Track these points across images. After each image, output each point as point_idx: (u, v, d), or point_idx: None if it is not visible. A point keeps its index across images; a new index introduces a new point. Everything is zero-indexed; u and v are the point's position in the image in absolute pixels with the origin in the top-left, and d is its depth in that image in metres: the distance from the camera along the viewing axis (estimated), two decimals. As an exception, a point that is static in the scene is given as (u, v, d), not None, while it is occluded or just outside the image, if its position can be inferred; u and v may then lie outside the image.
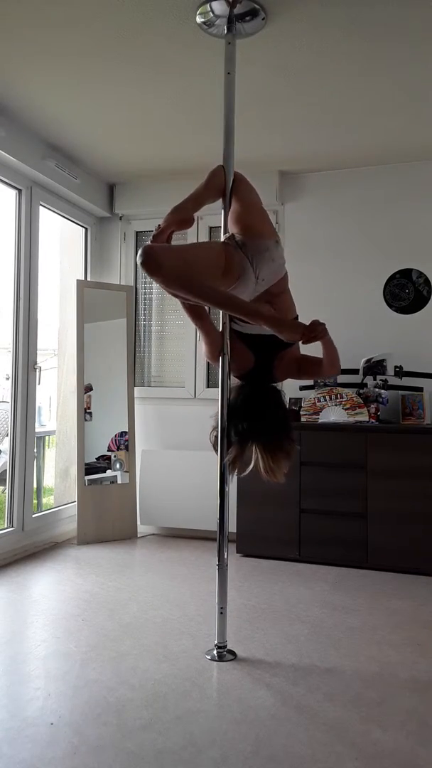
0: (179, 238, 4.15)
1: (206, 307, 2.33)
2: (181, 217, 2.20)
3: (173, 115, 3.34)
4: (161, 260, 1.89)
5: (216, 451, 2.34)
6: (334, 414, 3.72)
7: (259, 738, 1.80)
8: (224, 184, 2.35)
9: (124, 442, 4.26)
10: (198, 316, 2.34)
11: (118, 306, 4.38)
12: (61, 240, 4.66)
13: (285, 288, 2.30)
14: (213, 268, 2.06)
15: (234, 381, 2.40)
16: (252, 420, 2.21)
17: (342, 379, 3.84)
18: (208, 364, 4.33)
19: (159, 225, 2.21)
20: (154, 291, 4.55)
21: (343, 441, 3.58)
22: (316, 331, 2.09)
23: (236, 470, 2.26)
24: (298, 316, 2.33)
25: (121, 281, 4.54)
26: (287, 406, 2.37)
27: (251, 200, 2.32)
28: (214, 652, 2.35)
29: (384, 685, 2.15)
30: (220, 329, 2.35)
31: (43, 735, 1.80)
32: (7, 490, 3.76)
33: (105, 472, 4.18)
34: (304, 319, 2.31)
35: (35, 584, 3.21)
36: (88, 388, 4.19)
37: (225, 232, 2.34)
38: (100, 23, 2.54)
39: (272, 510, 3.65)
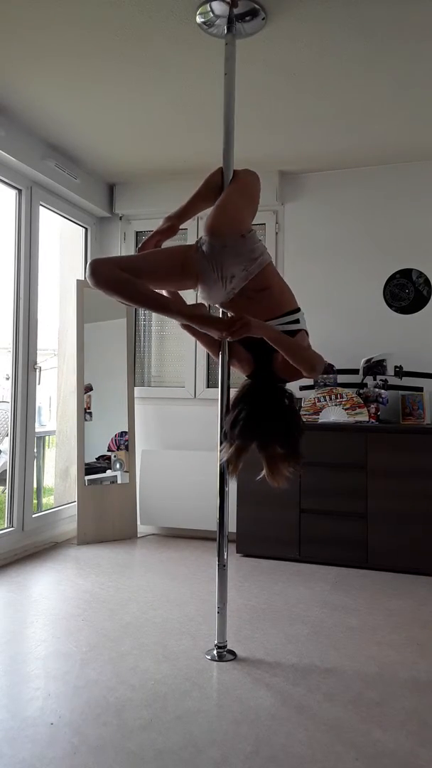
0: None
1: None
2: (165, 226, 2.34)
3: (173, 115, 3.34)
4: (97, 274, 2.06)
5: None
6: (334, 414, 3.72)
7: (259, 738, 1.80)
8: (221, 186, 2.33)
9: (124, 442, 4.26)
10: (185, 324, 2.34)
11: (118, 306, 4.37)
12: (61, 240, 4.66)
13: (268, 283, 2.20)
14: (169, 270, 2.17)
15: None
16: (256, 420, 2.14)
17: (342, 379, 3.84)
18: (209, 364, 4.34)
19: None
20: (154, 291, 4.55)
21: (343, 441, 3.58)
22: (234, 326, 2.05)
23: (236, 470, 2.23)
24: (298, 309, 2.25)
25: (121, 281, 4.53)
26: (295, 408, 2.24)
27: (226, 197, 2.25)
28: (214, 652, 2.35)
29: (384, 685, 2.15)
30: None
31: (43, 735, 1.80)
32: (7, 490, 3.76)
33: (105, 472, 4.18)
34: (306, 321, 2.29)
35: (35, 584, 3.21)
36: (88, 388, 4.19)
37: None
38: (100, 23, 2.54)
39: (272, 510, 3.65)
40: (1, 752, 1.71)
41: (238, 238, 2.13)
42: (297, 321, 2.23)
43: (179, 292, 2.37)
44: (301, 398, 3.86)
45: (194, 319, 2.16)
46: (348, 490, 3.54)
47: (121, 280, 2.07)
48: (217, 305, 2.34)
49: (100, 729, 1.83)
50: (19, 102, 3.24)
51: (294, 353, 2.14)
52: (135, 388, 4.44)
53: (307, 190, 4.19)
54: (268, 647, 2.45)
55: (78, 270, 4.55)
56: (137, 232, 4.57)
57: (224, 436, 2.18)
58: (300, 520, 3.62)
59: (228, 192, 2.28)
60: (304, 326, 2.25)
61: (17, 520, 3.69)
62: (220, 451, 2.22)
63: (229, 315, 2.32)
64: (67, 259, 4.64)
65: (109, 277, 2.07)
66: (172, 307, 2.16)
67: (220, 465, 2.32)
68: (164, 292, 2.38)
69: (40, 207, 3.91)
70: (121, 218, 4.57)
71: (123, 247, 4.56)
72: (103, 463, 4.18)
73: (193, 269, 2.17)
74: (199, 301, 2.30)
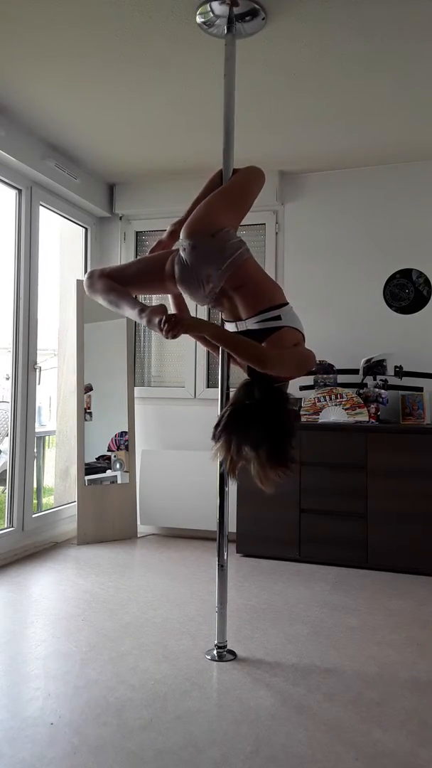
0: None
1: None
2: (168, 231, 2.39)
3: (173, 115, 3.34)
4: (89, 284, 2.28)
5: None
6: (334, 414, 3.72)
7: (259, 738, 1.80)
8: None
9: (124, 442, 4.26)
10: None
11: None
12: (61, 240, 4.66)
13: (244, 281, 2.14)
14: (153, 275, 2.27)
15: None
16: (237, 420, 2.07)
17: (342, 379, 3.84)
18: (209, 364, 4.34)
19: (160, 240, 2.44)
20: (154, 291, 4.55)
21: (343, 441, 3.58)
22: (167, 325, 2.03)
23: (232, 471, 2.13)
24: (281, 305, 2.16)
25: (121, 281, 4.53)
26: (287, 412, 2.14)
27: (208, 198, 2.24)
28: (214, 652, 2.35)
29: (384, 685, 2.15)
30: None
31: (43, 735, 1.80)
32: (7, 490, 3.76)
33: (105, 472, 4.18)
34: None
35: (35, 584, 3.21)
36: (88, 388, 4.19)
37: None
38: (100, 23, 2.54)
39: (272, 510, 3.65)
40: (1, 752, 1.71)
41: (208, 238, 2.10)
42: (278, 317, 2.13)
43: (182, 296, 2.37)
44: (301, 398, 3.86)
45: (143, 321, 2.15)
46: (348, 490, 3.54)
47: (106, 289, 2.23)
48: (209, 307, 2.34)
49: (100, 729, 1.83)
50: (19, 102, 3.24)
51: (239, 351, 2.09)
52: (135, 388, 4.44)
53: (307, 190, 4.18)
54: (268, 647, 2.45)
55: (78, 270, 4.55)
56: (137, 232, 4.57)
57: (221, 436, 2.12)
58: (300, 520, 3.62)
59: (213, 192, 2.28)
60: (289, 323, 2.14)
61: (17, 520, 3.69)
62: (220, 453, 2.20)
63: (222, 316, 2.32)
64: (67, 259, 4.64)
65: (98, 286, 2.25)
66: (137, 310, 2.19)
67: (221, 466, 2.32)
68: (169, 297, 2.40)
69: (40, 207, 3.91)
70: (121, 218, 4.57)
71: (123, 247, 4.56)
72: (103, 463, 4.18)
73: (169, 272, 2.19)
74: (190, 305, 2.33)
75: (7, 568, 3.46)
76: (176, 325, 2.04)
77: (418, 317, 3.94)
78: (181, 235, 2.16)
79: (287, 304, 2.19)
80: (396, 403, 3.83)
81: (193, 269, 2.11)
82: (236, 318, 2.20)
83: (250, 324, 2.16)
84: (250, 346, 2.09)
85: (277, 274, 4.16)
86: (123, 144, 3.76)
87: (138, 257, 2.37)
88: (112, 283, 2.23)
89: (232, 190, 2.28)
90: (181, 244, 2.16)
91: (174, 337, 2.06)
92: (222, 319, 2.32)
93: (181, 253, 2.15)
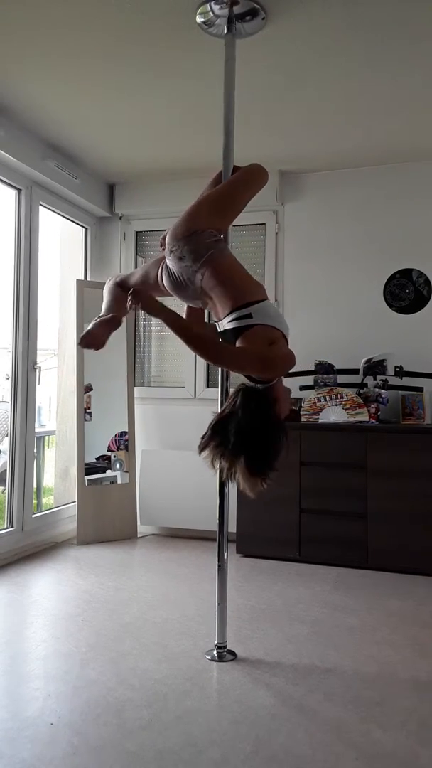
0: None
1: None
2: None
3: (173, 115, 3.34)
4: (105, 288, 2.50)
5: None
6: (334, 414, 3.72)
7: (259, 738, 1.80)
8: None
9: (124, 442, 4.26)
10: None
11: (118, 306, 4.37)
12: (61, 240, 4.66)
13: (219, 280, 2.09)
14: (151, 279, 2.35)
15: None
16: (215, 426, 2.03)
17: (342, 379, 3.84)
18: (208, 364, 4.34)
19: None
20: (154, 291, 4.55)
21: (343, 441, 3.58)
22: (131, 298, 2.10)
23: (233, 478, 2.06)
24: (261, 301, 2.08)
25: (121, 281, 4.53)
26: (268, 420, 2.03)
27: (197, 200, 2.25)
28: (214, 652, 2.35)
29: (384, 685, 2.15)
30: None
31: (43, 735, 1.80)
32: (7, 490, 3.76)
33: (105, 472, 4.18)
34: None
35: (35, 584, 3.21)
36: (88, 388, 4.19)
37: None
38: (100, 23, 2.54)
39: (272, 510, 3.65)
40: (1, 752, 1.71)
41: (185, 240, 2.11)
42: (249, 316, 2.04)
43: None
44: (301, 398, 3.86)
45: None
46: (348, 490, 3.54)
47: (111, 293, 2.45)
48: (202, 308, 2.35)
49: (100, 729, 1.83)
50: (19, 102, 3.24)
51: (189, 343, 2.01)
52: (135, 388, 4.44)
53: (307, 190, 4.18)
54: (268, 647, 2.45)
55: (78, 270, 4.54)
56: (137, 232, 4.57)
57: (211, 444, 2.05)
58: (300, 520, 3.62)
59: (205, 194, 2.32)
60: (263, 320, 2.05)
61: (17, 520, 3.69)
62: (212, 457, 2.16)
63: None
64: (67, 259, 4.64)
65: (108, 290, 2.47)
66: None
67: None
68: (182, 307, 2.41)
69: (40, 207, 3.91)
70: (121, 218, 4.57)
71: (123, 247, 4.56)
72: (103, 463, 4.18)
73: (159, 275, 2.27)
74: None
75: (7, 568, 3.46)
76: (137, 296, 2.09)
77: (418, 317, 3.94)
78: (166, 240, 2.18)
79: (263, 301, 2.10)
80: (396, 403, 3.83)
81: (176, 272, 2.16)
82: (218, 318, 2.19)
83: (226, 323, 2.11)
84: (199, 339, 2.03)
85: (277, 274, 4.16)
86: (123, 144, 3.76)
87: (145, 261, 2.43)
88: (118, 288, 2.42)
89: (221, 190, 2.29)
90: (166, 249, 2.19)
91: (133, 307, 2.10)
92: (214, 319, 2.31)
93: (167, 258, 2.18)
